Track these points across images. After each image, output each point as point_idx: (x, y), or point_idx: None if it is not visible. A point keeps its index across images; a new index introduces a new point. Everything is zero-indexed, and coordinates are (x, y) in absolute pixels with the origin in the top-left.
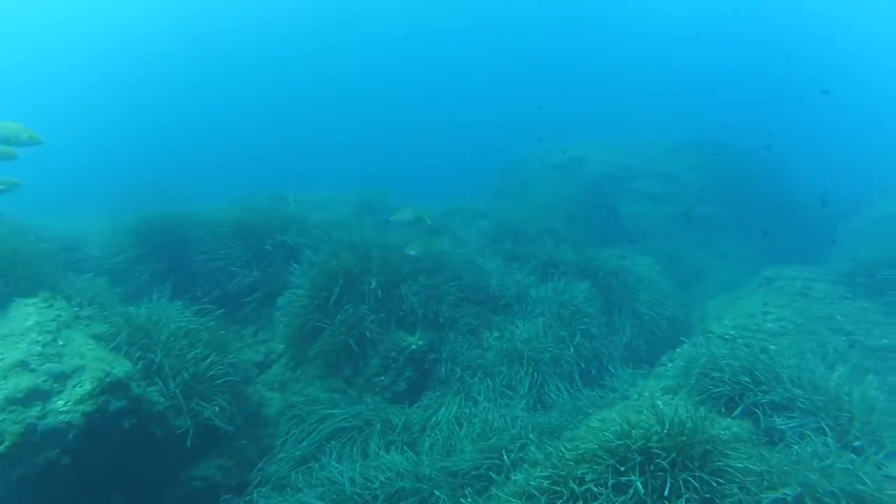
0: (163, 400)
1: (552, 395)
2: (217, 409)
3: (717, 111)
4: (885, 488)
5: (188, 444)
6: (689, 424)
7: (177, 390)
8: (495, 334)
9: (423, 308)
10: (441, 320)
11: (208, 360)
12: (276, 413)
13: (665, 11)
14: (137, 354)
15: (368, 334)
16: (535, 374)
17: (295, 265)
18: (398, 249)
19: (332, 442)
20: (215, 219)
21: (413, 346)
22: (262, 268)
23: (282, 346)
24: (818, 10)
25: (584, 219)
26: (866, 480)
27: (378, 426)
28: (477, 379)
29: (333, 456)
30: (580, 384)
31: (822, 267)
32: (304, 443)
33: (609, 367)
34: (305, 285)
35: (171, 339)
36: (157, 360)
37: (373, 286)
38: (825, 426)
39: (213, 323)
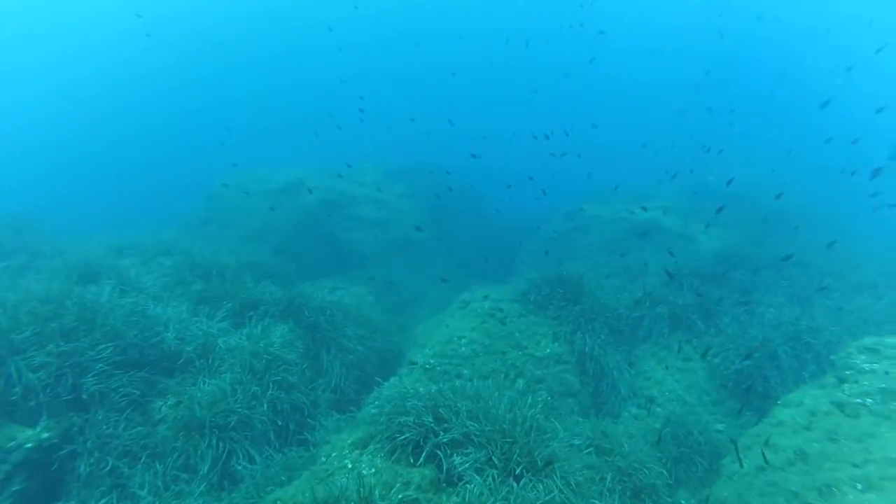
0: None
1: (241, 467)
2: None
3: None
4: None
5: None
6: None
7: None
8: (170, 402)
9: (54, 385)
10: (85, 397)
11: None
12: None
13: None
14: None
15: None
16: (221, 445)
17: None
18: (18, 308)
19: None
20: None
21: (29, 444)
22: None
23: None
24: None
25: (302, 248)
26: None
27: None
28: (140, 466)
29: None
30: (276, 445)
31: (507, 286)
32: None
33: (310, 418)
34: None
35: None
36: None
37: None
38: (494, 458)
39: None
